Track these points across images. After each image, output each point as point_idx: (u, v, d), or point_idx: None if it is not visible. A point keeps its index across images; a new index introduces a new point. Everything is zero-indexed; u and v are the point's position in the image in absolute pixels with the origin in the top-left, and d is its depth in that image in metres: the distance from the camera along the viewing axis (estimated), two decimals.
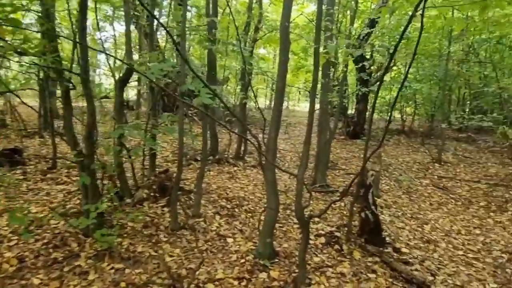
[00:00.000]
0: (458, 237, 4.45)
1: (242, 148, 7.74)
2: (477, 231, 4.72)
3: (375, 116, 15.02)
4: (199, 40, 4.33)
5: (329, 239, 3.84)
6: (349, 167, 7.84)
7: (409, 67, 2.34)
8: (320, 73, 6.53)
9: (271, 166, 3.23)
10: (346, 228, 3.99)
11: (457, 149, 10.54)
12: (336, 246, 3.71)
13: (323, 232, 4.03)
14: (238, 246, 3.61)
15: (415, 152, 9.74)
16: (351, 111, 14.36)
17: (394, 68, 13.18)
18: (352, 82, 14.23)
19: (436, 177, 7.35)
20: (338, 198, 3.06)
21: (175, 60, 8.24)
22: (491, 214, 5.52)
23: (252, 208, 4.83)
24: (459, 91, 14.96)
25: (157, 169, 5.18)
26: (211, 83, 7.27)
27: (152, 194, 4.51)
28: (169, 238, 3.64)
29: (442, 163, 8.47)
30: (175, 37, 4.53)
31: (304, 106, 17.30)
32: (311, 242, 3.78)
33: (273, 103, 3.21)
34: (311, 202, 5.26)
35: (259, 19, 7.00)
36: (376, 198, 5.51)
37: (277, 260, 3.34)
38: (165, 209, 4.29)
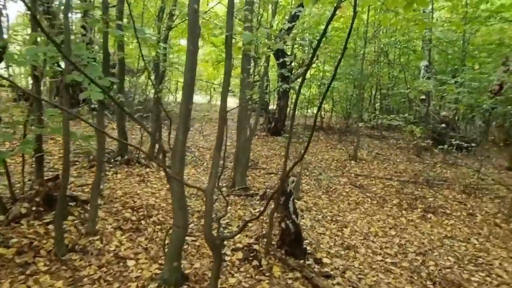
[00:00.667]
0: (376, 240, 4.41)
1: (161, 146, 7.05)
2: (393, 232, 4.75)
3: (296, 112, 15.24)
4: (92, 21, 3.57)
5: (247, 254, 3.46)
6: (270, 166, 7.62)
7: (337, 65, 2.03)
8: (237, 68, 6.18)
9: (180, 172, 2.71)
10: (265, 240, 3.65)
11: (370, 146, 11.05)
12: (255, 262, 3.34)
13: (240, 246, 3.63)
14: (140, 271, 3.03)
15: (333, 149, 9.94)
16: (273, 106, 14.37)
17: (314, 65, 13.42)
18: (274, 78, 14.18)
19: (353, 175, 7.49)
20: (254, 217, 2.67)
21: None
22: (403, 212, 5.68)
23: (163, 219, 4.26)
24: (371, 90, 15.86)
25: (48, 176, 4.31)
26: (119, 73, 6.45)
27: (34, 208, 3.67)
28: (51, 267, 2.92)
29: (358, 160, 8.72)
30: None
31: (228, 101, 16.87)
32: (227, 258, 3.36)
33: (180, 100, 2.68)
34: (229, 208, 4.86)
35: (174, 3, 6.34)
36: (296, 201, 5.31)
37: (186, 286, 2.85)
38: (51, 226, 3.51)
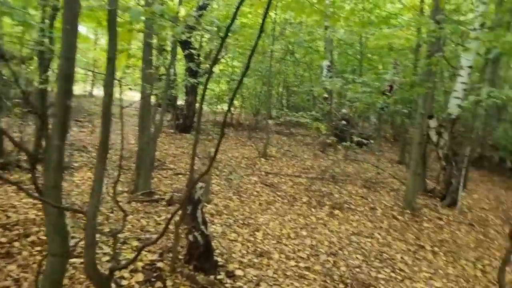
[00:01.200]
0: (289, 242, 4.28)
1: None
2: (304, 232, 4.69)
3: (205, 108, 14.80)
4: None
5: (149, 274, 2.98)
6: (178, 165, 7.09)
7: (249, 60, 1.72)
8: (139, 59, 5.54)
9: (55, 186, 2.13)
10: (171, 255, 3.21)
11: (279, 142, 11.19)
12: (158, 284, 2.89)
13: (141, 264, 3.13)
14: None
15: (243, 146, 9.78)
16: (182, 102, 13.70)
17: (223, 60, 13.13)
18: (182, 72, 13.53)
19: (263, 173, 7.39)
20: (151, 241, 2.23)
21: None
22: (313, 210, 5.72)
23: (45, 238, 3.51)
24: (278, 88, 16.22)
25: None
26: None
27: None
28: None
29: (268, 158, 8.69)
30: None
31: (133, 95, 15.61)
32: (123, 283, 2.84)
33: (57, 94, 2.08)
34: (130, 217, 4.27)
35: None
36: (206, 204, 4.94)
37: None
38: None
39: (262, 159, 8.53)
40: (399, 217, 6.05)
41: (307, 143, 11.65)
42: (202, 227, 3.12)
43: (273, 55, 12.24)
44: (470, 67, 7.08)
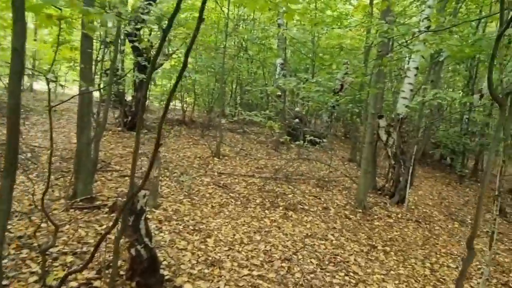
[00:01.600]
0: (242, 249, 4.09)
1: None
2: (258, 237, 4.53)
3: (157, 105, 14.21)
4: None
5: None
6: (125, 167, 6.64)
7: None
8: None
9: None
10: (111, 271, 2.89)
11: (233, 141, 10.98)
12: None
13: (76, 285, 2.78)
14: None
15: (196, 145, 9.45)
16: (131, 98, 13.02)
17: (174, 56, 12.65)
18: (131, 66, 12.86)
19: (216, 173, 7.14)
20: (77, 269, 1.94)
21: None
22: (267, 212, 5.59)
23: None
24: (232, 85, 15.99)
25: None
26: None
27: None
28: None
29: (221, 157, 8.45)
30: None
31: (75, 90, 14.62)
32: None
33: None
34: (67, 227, 3.85)
35: None
36: (154, 210, 4.62)
37: None
38: None
39: (215, 158, 8.28)
40: (352, 217, 6.11)
41: (261, 141, 11.56)
42: (146, 239, 2.83)
43: (226, 51, 12.01)
44: (416, 68, 7.32)
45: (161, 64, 10.88)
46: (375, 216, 6.37)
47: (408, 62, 7.75)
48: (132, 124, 9.59)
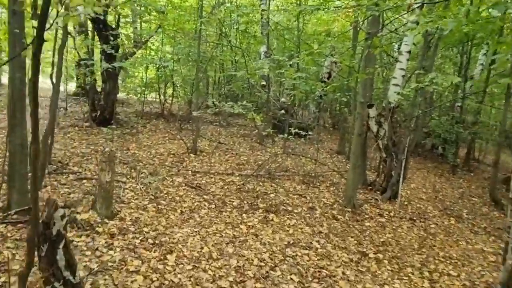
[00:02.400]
0: (209, 266, 3.43)
1: None
2: (230, 249, 3.88)
3: (132, 97, 13.38)
4: None
5: None
6: (85, 167, 5.90)
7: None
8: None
9: None
10: None
11: (214, 134, 10.28)
12: None
13: None
14: None
15: (172, 141, 8.72)
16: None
17: (150, 44, 11.81)
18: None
19: (190, 172, 6.45)
20: None
21: None
22: (244, 216, 4.93)
23: None
24: (215, 75, 15.21)
25: None
26: None
27: None
28: None
29: (198, 153, 7.74)
30: None
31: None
32: None
33: None
34: None
35: None
36: (107, 221, 3.93)
37: None
38: None
39: (192, 155, 7.58)
40: (340, 217, 5.50)
41: (244, 134, 10.87)
42: (67, 273, 2.15)
43: (203, 37, 11.24)
44: (408, 52, 6.70)
45: (133, 53, 10.09)
46: (366, 216, 5.78)
47: (399, 46, 7.11)
48: (102, 119, 8.80)
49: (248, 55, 12.51)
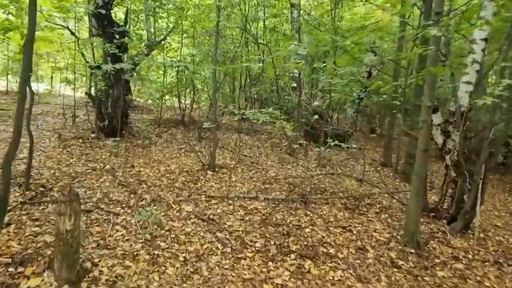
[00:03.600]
0: None
1: None
2: None
3: (148, 102, 12.39)
4: None
5: None
6: (79, 189, 4.76)
7: None
8: None
9: None
10: None
11: (237, 144, 9.00)
12: None
13: None
14: None
15: (188, 154, 7.52)
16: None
17: (169, 44, 10.75)
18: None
19: (204, 197, 5.17)
20: None
21: None
22: (270, 265, 3.59)
23: None
24: (241, 77, 13.98)
25: None
26: None
27: None
28: None
29: (217, 169, 6.48)
30: None
31: (68, 89, 12.89)
32: None
33: None
34: None
35: None
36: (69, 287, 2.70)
37: None
38: None
39: (209, 172, 6.33)
40: (401, 263, 4.03)
41: (273, 144, 9.53)
42: None
43: (224, 35, 10.05)
44: (485, 40, 5.12)
45: (147, 54, 9.01)
46: (436, 260, 4.26)
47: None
48: (111, 129, 7.74)
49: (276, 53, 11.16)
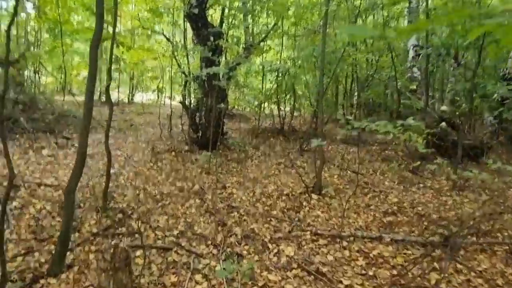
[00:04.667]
0: None
1: None
2: None
3: (248, 110, 11.76)
4: None
5: None
6: (155, 220, 4.02)
7: None
8: None
9: None
10: None
11: (345, 158, 7.62)
12: None
13: None
14: None
15: (289, 170, 6.43)
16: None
17: (269, 44, 9.90)
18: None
19: (309, 233, 3.97)
20: None
21: None
22: None
23: None
24: (346, 80, 12.50)
25: None
26: None
27: None
28: None
29: (323, 193, 5.24)
30: None
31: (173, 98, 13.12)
32: None
33: None
34: None
35: None
36: None
37: None
38: None
39: (314, 196, 5.12)
40: None
41: (387, 156, 7.90)
42: None
43: (328, 34, 8.79)
44: None
45: (246, 57, 8.22)
46: None
47: None
48: (205, 141, 7.11)
49: (393, 50, 9.46)
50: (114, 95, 17.37)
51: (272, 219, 4.28)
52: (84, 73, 14.18)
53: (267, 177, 5.89)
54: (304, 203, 4.86)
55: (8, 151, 2.54)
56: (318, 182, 5.25)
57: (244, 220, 4.16)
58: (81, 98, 13.08)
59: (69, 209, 2.79)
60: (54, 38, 9.67)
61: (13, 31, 13.02)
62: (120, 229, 3.64)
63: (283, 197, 4.99)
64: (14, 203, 3.90)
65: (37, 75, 10.61)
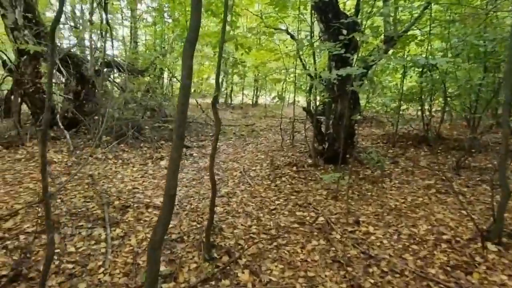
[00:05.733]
0: None
1: None
2: None
3: (382, 113, 10.13)
4: None
5: None
6: (265, 271, 3.15)
7: None
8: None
9: None
10: None
11: None
12: None
13: None
14: None
15: (443, 197, 4.85)
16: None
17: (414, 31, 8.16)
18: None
19: None
20: None
21: None
22: None
23: None
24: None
25: None
26: None
27: None
28: None
29: (506, 241, 3.60)
30: None
31: (298, 101, 12.44)
32: None
33: None
34: None
35: None
36: None
37: None
38: None
39: (490, 246, 3.53)
40: None
41: None
42: None
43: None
44: None
45: (385, 52, 6.75)
46: None
47: None
48: (332, 154, 6.02)
49: None
50: (238, 98, 17.58)
51: (429, 283, 2.95)
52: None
53: (414, 208, 4.47)
54: (477, 258, 3.35)
55: (46, 167, 1.99)
56: (499, 225, 3.63)
57: (389, 282, 2.95)
58: (206, 100, 13.41)
59: (153, 269, 2.09)
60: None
61: (151, 41, 14.03)
62: (222, 281, 2.86)
63: (443, 245, 3.56)
64: (118, 230, 3.51)
65: (170, 81, 11.05)
